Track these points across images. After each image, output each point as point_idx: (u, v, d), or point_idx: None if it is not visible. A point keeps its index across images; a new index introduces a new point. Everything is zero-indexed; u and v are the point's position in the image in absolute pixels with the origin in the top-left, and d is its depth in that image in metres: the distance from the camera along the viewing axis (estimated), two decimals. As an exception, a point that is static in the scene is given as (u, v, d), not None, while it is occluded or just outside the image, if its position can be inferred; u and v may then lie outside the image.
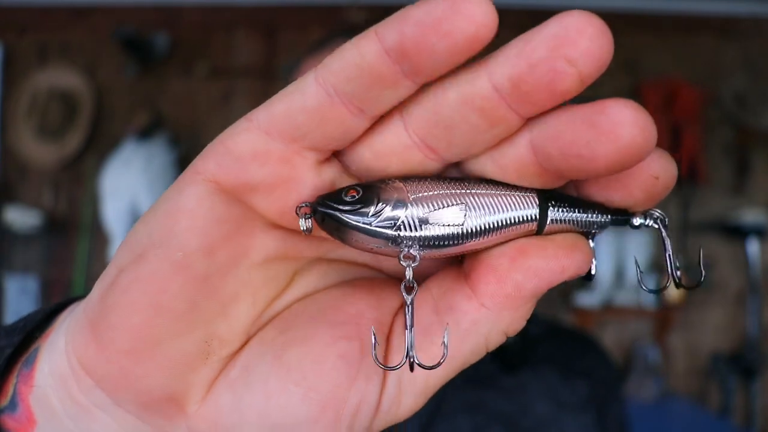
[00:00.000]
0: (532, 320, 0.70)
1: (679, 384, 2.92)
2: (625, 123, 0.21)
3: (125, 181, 2.62)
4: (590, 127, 0.21)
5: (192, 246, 0.24)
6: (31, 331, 0.30)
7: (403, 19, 0.20)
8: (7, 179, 2.81)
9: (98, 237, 2.76)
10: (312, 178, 0.24)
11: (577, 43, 0.20)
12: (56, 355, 0.27)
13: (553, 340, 0.73)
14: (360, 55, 0.21)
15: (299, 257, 0.27)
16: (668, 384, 2.87)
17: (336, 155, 0.25)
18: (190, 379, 0.25)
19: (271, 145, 0.23)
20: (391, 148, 0.24)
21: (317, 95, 0.22)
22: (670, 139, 2.82)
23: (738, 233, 2.85)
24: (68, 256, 2.73)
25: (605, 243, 2.76)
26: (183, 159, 2.76)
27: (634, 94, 2.88)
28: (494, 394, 0.65)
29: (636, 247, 2.78)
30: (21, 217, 2.68)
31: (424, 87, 0.22)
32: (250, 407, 0.25)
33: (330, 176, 0.25)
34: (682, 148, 2.81)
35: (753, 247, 2.87)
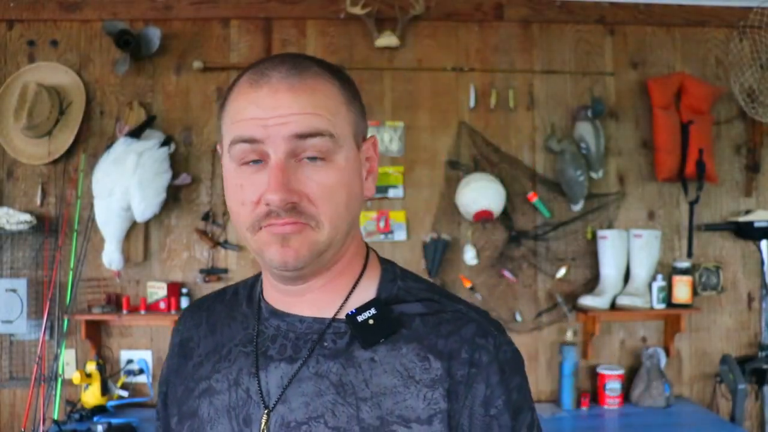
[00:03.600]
0: (409, 299, 0.78)
1: (687, 390, 2.84)
2: None
3: (116, 181, 2.54)
4: None
5: None
6: None
7: None
8: (-5, 178, 2.74)
9: (89, 237, 2.69)
10: None
11: None
12: None
13: (429, 319, 0.76)
14: None
15: None
16: (677, 389, 2.78)
17: None
18: None
19: None
20: None
21: None
22: (678, 137, 2.72)
23: (749, 234, 2.76)
24: (58, 256, 2.66)
25: (612, 246, 2.68)
26: (175, 157, 2.69)
27: (641, 90, 2.78)
28: (341, 365, 0.73)
29: (641, 250, 2.70)
30: (9, 217, 2.61)
31: None
32: None
33: None
34: (690, 145, 2.71)
35: (766, 248, 2.78)
